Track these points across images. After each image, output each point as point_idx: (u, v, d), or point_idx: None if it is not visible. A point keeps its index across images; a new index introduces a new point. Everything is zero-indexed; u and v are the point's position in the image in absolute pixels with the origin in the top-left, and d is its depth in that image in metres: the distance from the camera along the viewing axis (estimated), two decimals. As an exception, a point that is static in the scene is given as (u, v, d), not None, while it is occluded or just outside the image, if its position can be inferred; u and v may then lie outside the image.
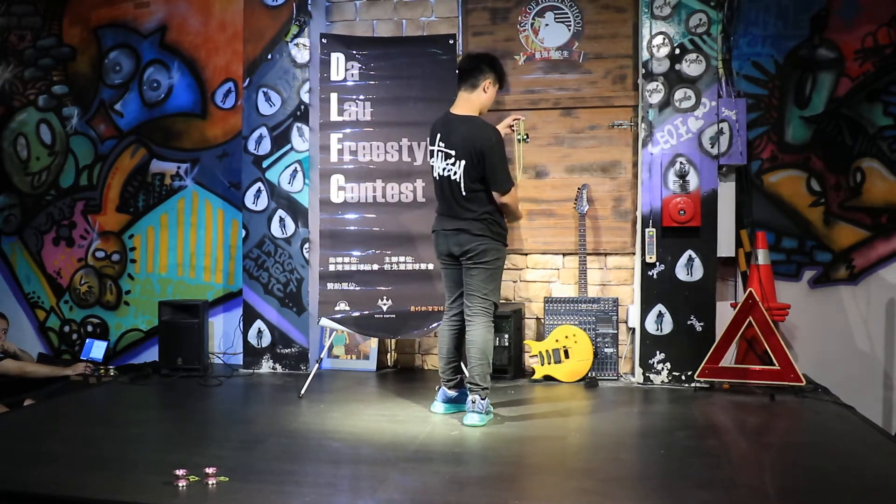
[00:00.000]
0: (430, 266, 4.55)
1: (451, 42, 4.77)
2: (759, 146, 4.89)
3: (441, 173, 3.84)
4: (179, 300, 5.37)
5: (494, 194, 3.77)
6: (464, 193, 3.78)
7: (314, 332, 5.09)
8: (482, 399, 3.73)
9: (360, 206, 4.66)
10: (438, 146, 3.85)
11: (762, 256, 4.65)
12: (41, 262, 5.95)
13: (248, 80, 5.11)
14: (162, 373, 4.99)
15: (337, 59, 4.73)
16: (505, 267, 4.70)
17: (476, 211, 3.78)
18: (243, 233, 5.16)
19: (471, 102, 3.85)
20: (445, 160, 3.81)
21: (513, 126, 4.12)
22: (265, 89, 5.08)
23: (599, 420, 3.91)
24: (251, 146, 5.11)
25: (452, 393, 3.94)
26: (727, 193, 4.67)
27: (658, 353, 4.61)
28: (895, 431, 4.53)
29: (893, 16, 4.72)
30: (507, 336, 4.74)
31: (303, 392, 4.31)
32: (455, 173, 3.78)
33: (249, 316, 5.13)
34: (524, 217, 5.08)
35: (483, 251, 3.77)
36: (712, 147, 4.54)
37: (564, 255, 5.06)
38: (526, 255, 5.12)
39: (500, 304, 3.93)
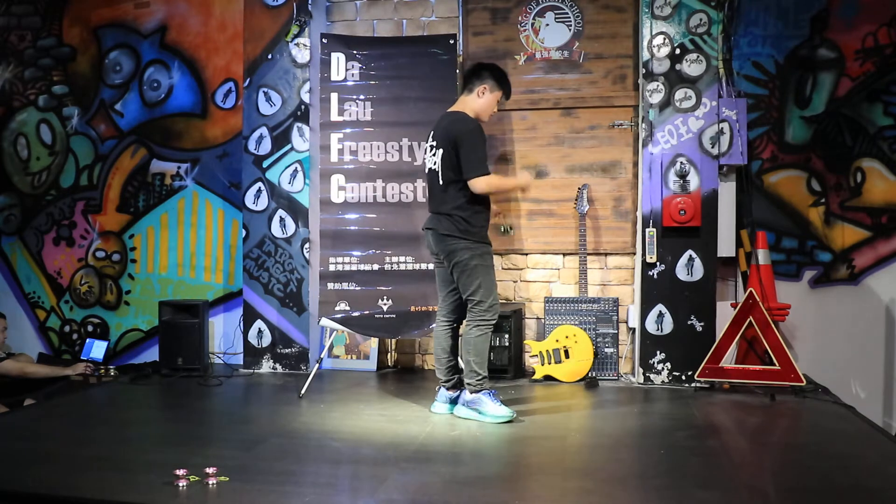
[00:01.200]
0: (430, 266, 4.54)
1: (452, 42, 4.77)
2: (760, 146, 4.89)
3: (429, 167, 3.93)
4: (179, 300, 5.37)
5: (469, 184, 3.75)
6: (441, 183, 3.83)
7: (314, 332, 5.09)
8: (470, 393, 3.81)
9: (360, 206, 4.66)
10: (429, 143, 3.95)
11: (762, 256, 4.65)
12: (41, 262, 5.96)
13: (248, 80, 5.11)
14: (162, 373, 4.99)
15: (337, 59, 4.73)
16: (504, 267, 4.71)
17: (448, 205, 3.81)
18: (243, 233, 5.16)
19: (465, 103, 3.94)
20: (430, 152, 3.91)
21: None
22: (265, 89, 5.08)
23: (599, 420, 3.91)
24: (251, 146, 5.11)
25: (451, 393, 3.95)
26: (727, 193, 4.67)
27: (658, 353, 4.62)
28: (895, 431, 4.53)
29: (893, 16, 4.72)
30: (507, 336, 4.74)
31: (303, 392, 4.31)
32: (435, 163, 3.86)
33: (249, 316, 5.13)
34: (524, 217, 5.09)
35: (452, 251, 3.80)
36: (713, 147, 4.54)
37: (565, 255, 5.06)
38: (526, 255, 5.12)
39: (493, 302, 3.82)
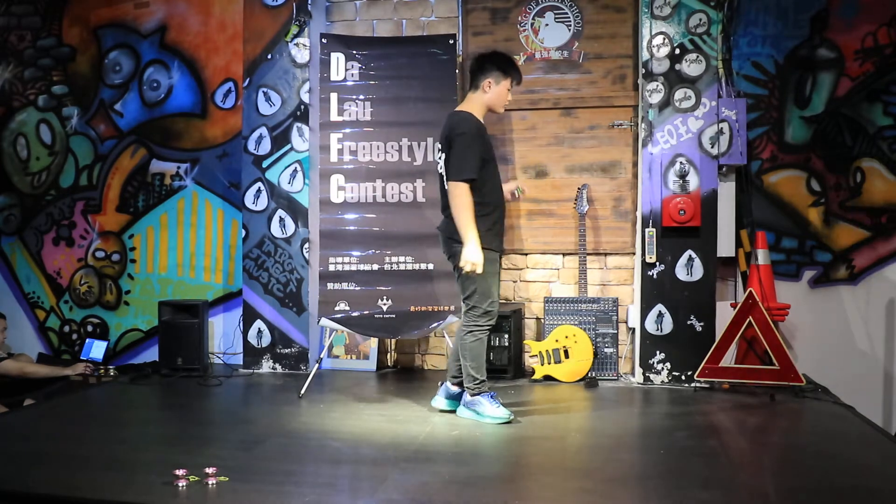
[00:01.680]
0: (431, 266, 4.55)
1: (451, 42, 4.77)
2: (759, 146, 4.89)
3: (438, 169, 3.90)
4: (179, 300, 5.37)
5: (447, 186, 3.70)
6: (446, 187, 3.78)
7: (314, 332, 5.09)
8: (470, 396, 3.80)
9: (360, 206, 4.66)
10: (438, 144, 3.91)
11: (762, 256, 4.65)
12: (41, 262, 5.96)
13: (248, 80, 5.11)
14: (162, 373, 4.99)
15: (337, 59, 4.73)
16: (504, 267, 4.67)
17: (451, 208, 3.76)
18: (243, 233, 5.16)
19: (471, 101, 3.88)
20: (437, 154, 3.89)
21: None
22: (265, 89, 5.08)
23: (599, 420, 3.91)
24: (251, 146, 5.11)
25: (454, 389, 3.95)
26: (727, 193, 4.67)
27: (658, 353, 4.62)
28: (895, 431, 4.53)
29: (893, 16, 4.72)
30: (506, 336, 4.74)
31: (303, 392, 4.31)
32: (441, 167, 3.82)
33: (249, 316, 5.13)
34: (524, 217, 5.09)
35: (454, 254, 3.77)
36: (712, 147, 4.54)
37: (564, 255, 5.06)
38: (526, 255, 5.11)
39: (489, 308, 3.76)
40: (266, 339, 5.10)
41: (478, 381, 3.79)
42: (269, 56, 5.07)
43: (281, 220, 5.08)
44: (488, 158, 3.78)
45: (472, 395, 3.80)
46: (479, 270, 3.63)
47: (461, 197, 3.65)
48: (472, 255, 3.60)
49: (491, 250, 3.77)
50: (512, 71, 3.87)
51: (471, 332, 3.79)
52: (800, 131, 4.86)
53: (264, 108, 5.08)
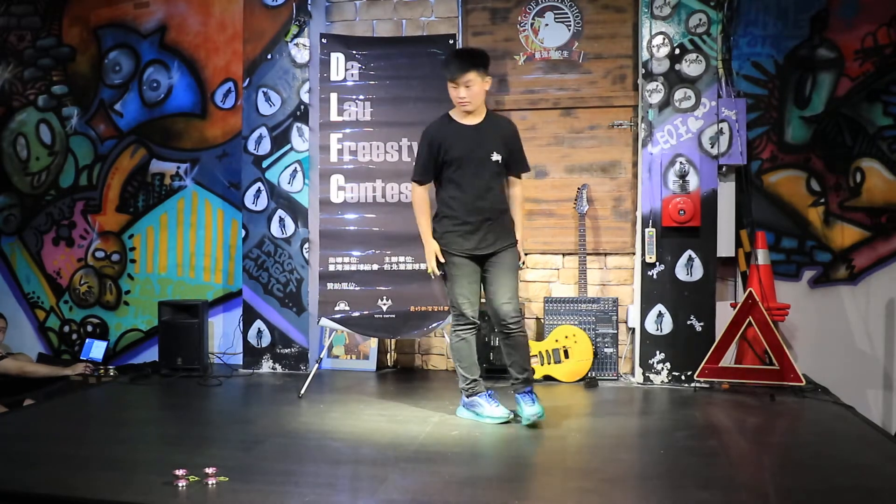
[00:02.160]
0: (430, 266, 4.55)
1: (451, 42, 4.77)
2: (759, 146, 4.89)
3: None
4: (179, 300, 5.37)
5: None
6: None
7: (314, 332, 5.09)
8: (466, 397, 3.81)
9: (359, 206, 4.66)
10: None
11: (762, 256, 4.65)
12: (41, 262, 5.95)
13: (247, 80, 5.11)
14: (162, 373, 4.99)
15: (337, 59, 4.73)
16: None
17: None
18: (243, 233, 5.16)
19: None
20: None
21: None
22: (265, 89, 5.08)
23: (599, 420, 3.91)
24: (251, 146, 5.11)
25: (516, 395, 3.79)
26: (727, 193, 4.67)
27: (658, 353, 4.62)
28: (895, 431, 4.53)
29: (893, 16, 4.72)
30: (506, 336, 4.74)
31: (303, 392, 4.31)
32: None
33: (249, 316, 5.13)
34: (525, 217, 5.08)
35: None
36: (712, 147, 4.54)
37: (564, 255, 5.06)
38: (525, 254, 5.09)
39: (461, 310, 3.75)
40: (266, 339, 5.10)
41: (470, 382, 3.80)
42: (269, 56, 5.07)
43: (281, 220, 5.08)
44: (450, 160, 3.73)
45: (469, 396, 3.79)
46: (430, 268, 3.83)
47: (412, 197, 3.90)
48: (425, 255, 3.86)
49: (450, 253, 3.78)
50: (446, 70, 3.75)
51: (454, 332, 3.84)
52: (800, 131, 4.86)
53: (264, 108, 5.08)
